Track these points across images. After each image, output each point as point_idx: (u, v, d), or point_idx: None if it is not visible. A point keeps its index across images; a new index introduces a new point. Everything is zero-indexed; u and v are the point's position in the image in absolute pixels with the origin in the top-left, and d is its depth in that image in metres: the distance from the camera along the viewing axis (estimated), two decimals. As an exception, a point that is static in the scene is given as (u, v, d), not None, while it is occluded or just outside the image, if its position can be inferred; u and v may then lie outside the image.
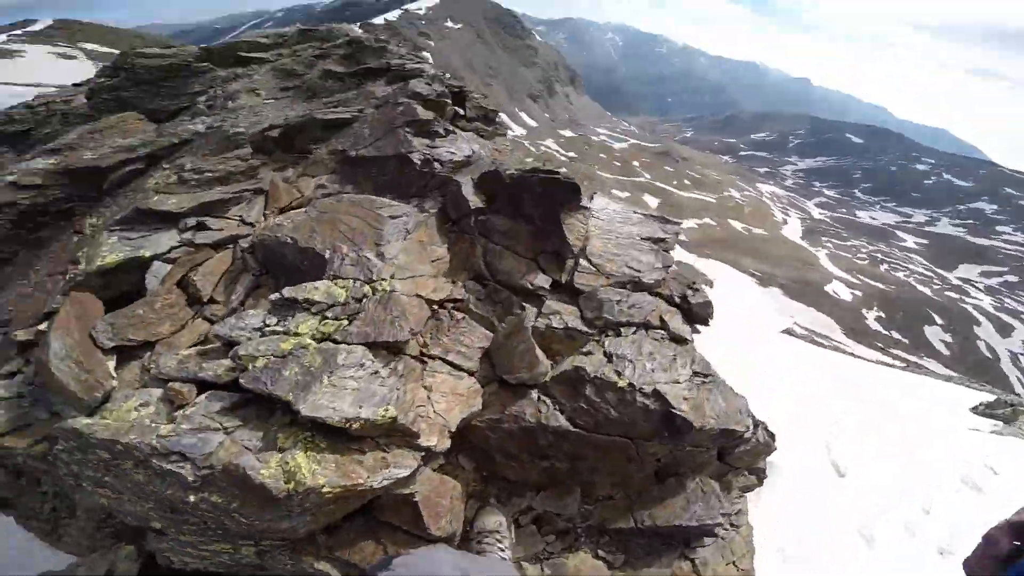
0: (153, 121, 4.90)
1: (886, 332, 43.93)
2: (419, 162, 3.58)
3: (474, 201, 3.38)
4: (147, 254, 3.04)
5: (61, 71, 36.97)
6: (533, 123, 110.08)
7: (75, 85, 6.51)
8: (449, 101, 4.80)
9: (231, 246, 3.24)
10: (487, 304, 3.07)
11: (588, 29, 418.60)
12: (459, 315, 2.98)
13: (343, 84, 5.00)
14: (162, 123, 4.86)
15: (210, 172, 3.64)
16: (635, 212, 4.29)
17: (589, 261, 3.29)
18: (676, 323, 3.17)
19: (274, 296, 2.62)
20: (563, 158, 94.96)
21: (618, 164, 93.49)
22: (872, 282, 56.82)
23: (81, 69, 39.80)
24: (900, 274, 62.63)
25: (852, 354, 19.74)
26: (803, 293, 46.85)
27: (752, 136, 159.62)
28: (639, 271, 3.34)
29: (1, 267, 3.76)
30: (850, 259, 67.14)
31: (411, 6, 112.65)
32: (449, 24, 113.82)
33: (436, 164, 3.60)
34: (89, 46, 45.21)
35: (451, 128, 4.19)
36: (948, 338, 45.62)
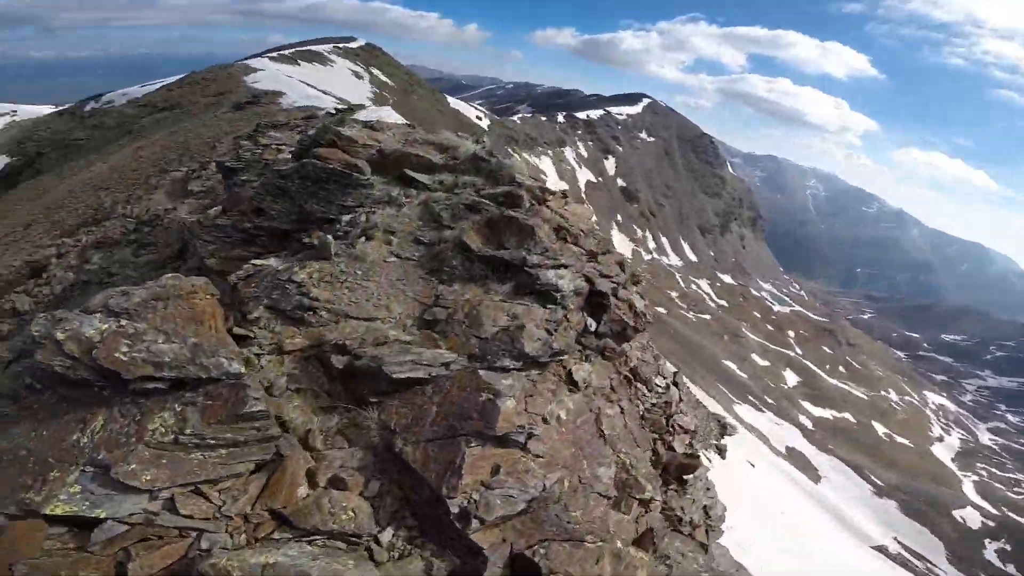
0: (282, 234, 6.14)
1: (1001, 565, 39.02)
2: (456, 510, 3.81)
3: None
4: (103, 515, 3.06)
5: (349, 87, 48.87)
6: (693, 257, 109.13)
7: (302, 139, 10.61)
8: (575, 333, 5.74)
9: (190, 542, 3.21)
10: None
11: (789, 172, 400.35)
12: None
13: (468, 270, 5.68)
14: (289, 236, 6.14)
15: (212, 439, 3.58)
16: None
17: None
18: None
19: None
20: (711, 303, 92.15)
21: (771, 328, 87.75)
22: (1015, 516, 46.99)
23: (360, 88, 52.05)
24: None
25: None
26: (922, 513, 42.52)
27: (944, 336, 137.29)
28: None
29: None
30: (1002, 491, 55.04)
31: (616, 109, 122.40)
32: (643, 135, 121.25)
33: (475, 520, 3.83)
34: (375, 71, 58.63)
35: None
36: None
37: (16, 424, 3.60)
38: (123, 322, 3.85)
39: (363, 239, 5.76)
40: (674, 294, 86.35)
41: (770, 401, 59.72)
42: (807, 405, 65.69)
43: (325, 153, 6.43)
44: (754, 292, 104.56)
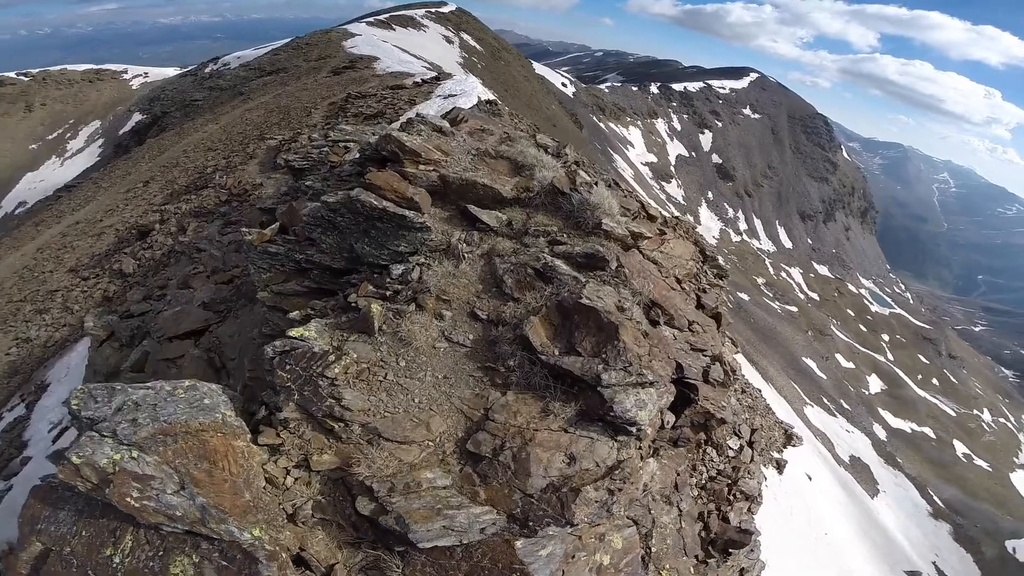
0: (335, 272, 5.62)
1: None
2: None
3: None
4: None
5: (439, 52, 49.17)
6: (788, 243, 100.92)
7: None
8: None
9: None
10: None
11: (916, 162, 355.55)
12: None
13: (527, 375, 4.67)
14: (341, 275, 5.61)
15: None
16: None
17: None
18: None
19: None
20: (800, 295, 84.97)
21: (863, 329, 79.77)
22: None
23: (450, 53, 52.19)
24: None
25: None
26: (973, 540, 39.44)
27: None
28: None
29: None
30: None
31: (718, 83, 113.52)
32: (747, 111, 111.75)
33: None
34: (465, 36, 58.49)
35: None
36: None
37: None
38: (135, 454, 3.75)
39: (413, 305, 5.04)
40: (760, 280, 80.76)
41: (845, 406, 55.44)
42: (886, 414, 60.57)
43: (379, 180, 5.66)
44: (851, 288, 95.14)
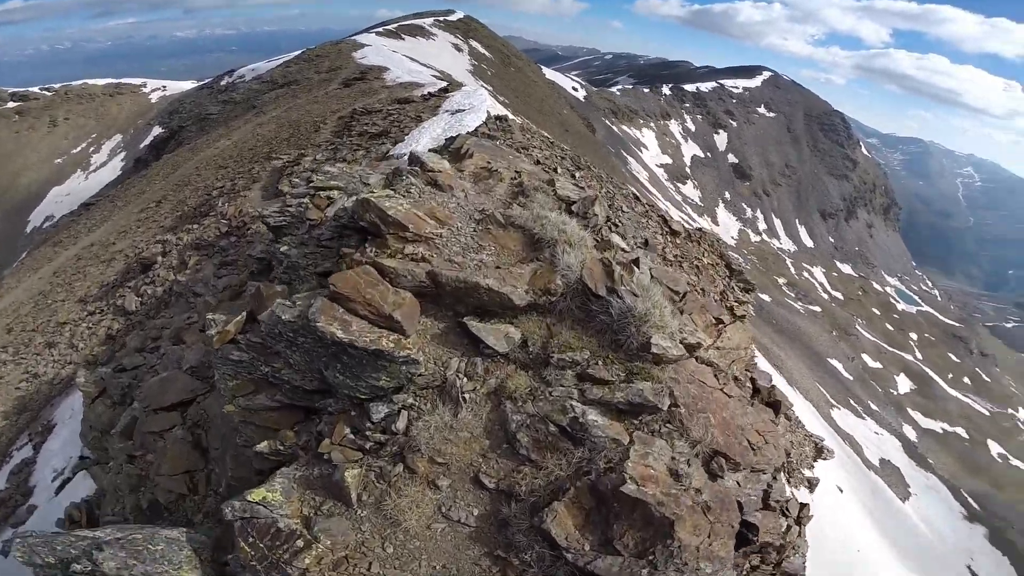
0: (305, 393, 4.52)
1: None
2: None
3: None
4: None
5: (449, 60, 49.31)
6: (810, 243, 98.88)
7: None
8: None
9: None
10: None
11: (938, 157, 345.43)
12: None
13: (546, 572, 3.56)
14: (313, 397, 4.55)
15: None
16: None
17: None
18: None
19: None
20: (824, 295, 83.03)
21: (890, 328, 77.83)
22: None
23: (459, 61, 52.29)
24: None
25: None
26: (1009, 543, 38.46)
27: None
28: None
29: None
30: None
31: (731, 82, 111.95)
32: (761, 110, 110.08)
33: None
34: (474, 43, 58.62)
35: None
36: None
37: None
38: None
39: (400, 466, 3.96)
40: (782, 280, 79.23)
41: (874, 407, 54.04)
42: (916, 415, 58.96)
43: (347, 288, 4.38)
44: (876, 286, 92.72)
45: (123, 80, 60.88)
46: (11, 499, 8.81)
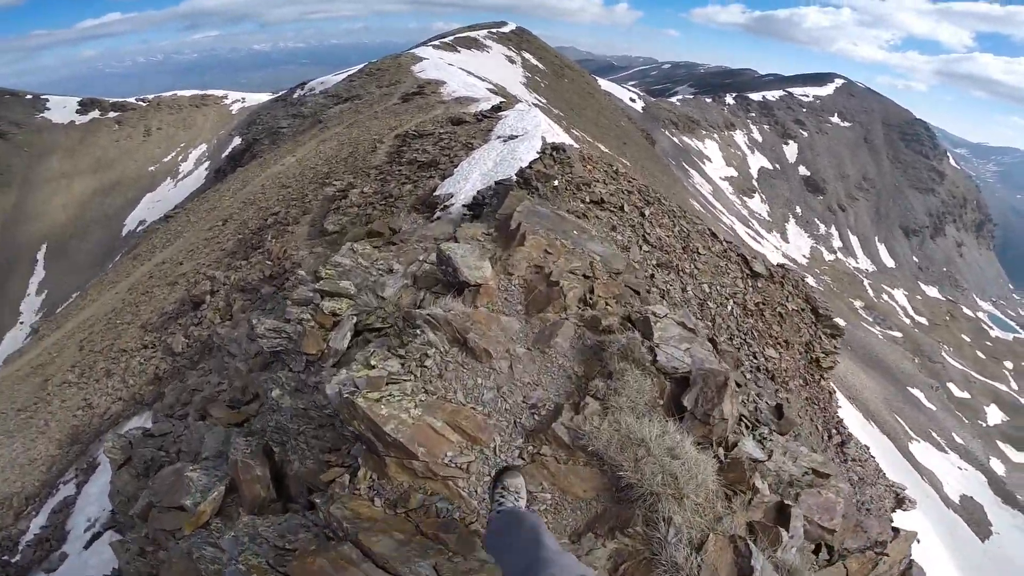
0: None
1: None
2: None
3: None
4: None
5: (503, 72, 49.92)
6: (890, 262, 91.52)
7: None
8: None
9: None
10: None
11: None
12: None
13: None
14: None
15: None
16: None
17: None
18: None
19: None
20: (905, 319, 76.37)
21: (981, 355, 70.38)
22: None
23: (513, 73, 52.80)
24: None
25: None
26: None
27: None
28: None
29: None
30: None
31: (800, 90, 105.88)
32: (835, 119, 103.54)
33: None
34: (527, 55, 59.01)
35: None
36: None
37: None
38: None
39: None
40: (858, 303, 73.83)
41: (958, 441, 49.08)
42: (1006, 448, 53.50)
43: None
44: (966, 311, 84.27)
45: (207, 92, 65.95)
46: (48, 541, 8.93)
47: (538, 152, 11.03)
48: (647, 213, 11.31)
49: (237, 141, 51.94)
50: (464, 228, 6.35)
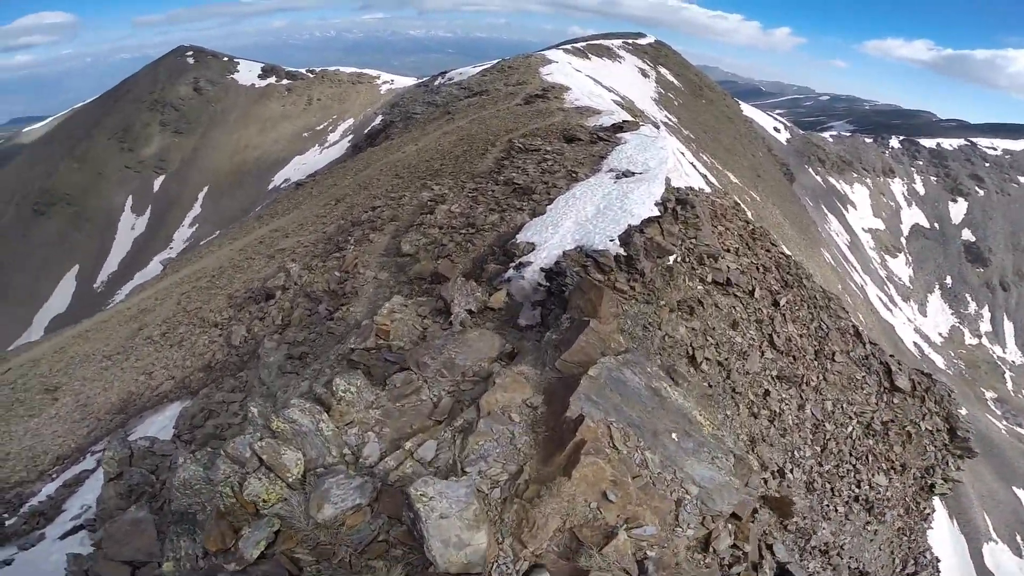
0: None
1: None
2: None
3: None
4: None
5: (634, 85, 48.70)
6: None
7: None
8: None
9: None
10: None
11: None
12: None
13: None
14: None
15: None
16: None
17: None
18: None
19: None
20: (1051, 441, 62.22)
21: None
22: None
23: (644, 88, 51.26)
24: None
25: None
26: None
27: None
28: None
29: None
30: None
31: (986, 141, 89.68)
32: (1023, 180, 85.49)
33: None
34: (662, 70, 56.92)
35: None
36: None
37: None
38: None
39: None
40: (990, 394, 61.96)
41: None
42: None
43: None
44: None
45: (363, 71, 72.66)
46: (42, 515, 8.61)
47: (658, 203, 8.62)
48: (782, 303, 9.52)
49: (377, 121, 56.60)
50: (503, 378, 4.54)
